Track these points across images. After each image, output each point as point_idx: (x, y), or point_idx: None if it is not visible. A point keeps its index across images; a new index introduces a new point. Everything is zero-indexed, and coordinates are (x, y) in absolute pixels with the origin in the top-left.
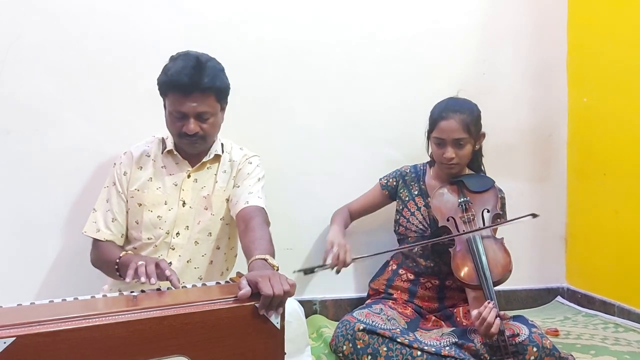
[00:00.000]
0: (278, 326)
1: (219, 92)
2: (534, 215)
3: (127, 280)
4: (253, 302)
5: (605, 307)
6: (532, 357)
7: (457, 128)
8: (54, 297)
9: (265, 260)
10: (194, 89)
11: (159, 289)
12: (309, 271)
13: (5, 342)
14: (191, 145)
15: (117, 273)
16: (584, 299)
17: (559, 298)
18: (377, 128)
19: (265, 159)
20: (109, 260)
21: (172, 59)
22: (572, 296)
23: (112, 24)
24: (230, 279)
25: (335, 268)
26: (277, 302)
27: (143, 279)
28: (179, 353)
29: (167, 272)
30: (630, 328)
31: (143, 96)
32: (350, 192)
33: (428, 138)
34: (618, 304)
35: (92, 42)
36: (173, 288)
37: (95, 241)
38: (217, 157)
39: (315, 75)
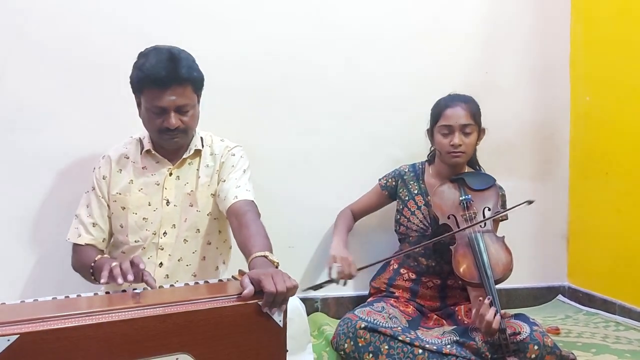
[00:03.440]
0: (281, 324)
1: (196, 82)
2: (529, 202)
3: (102, 281)
4: (256, 300)
5: (606, 306)
6: (533, 355)
7: (463, 114)
8: (56, 294)
9: (266, 257)
10: (171, 82)
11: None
12: (317, 287)
13: (9, 340)
14: (172, 140)
15: (92, 277)
16: (585, 297)
17: (560, 296)
18: (378, 126)
19: (267, 157)
20: (86, 264)
21: (142, 55)
22: (573, 295)
23: (114, 22)
24: (232, 276)
25: (341, 281)
26: (280, 300)
27: (120, 280)
28: (182, 350)
29: (144, 271)
30: (631, 326)
31: None
32: (351, 190)
33: (431, 132)
34: (619, 302)
35: (94, 41)
36: (165, 287)
37: (75, 245)
38: (198, 152)
39: (316, 74)
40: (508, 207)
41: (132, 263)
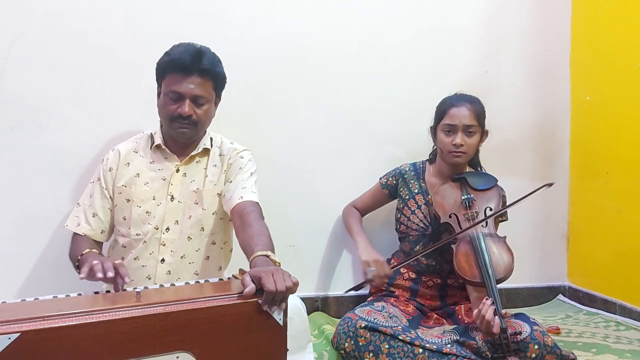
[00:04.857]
0: (281, 322)
1: (217, 79)
2: (549, 185)
3: (81, 276)
4: (256, 299)
5: (607, 306)
6: (534, 355)
7: (467, 114)
8: (57, 292)
9: (267, 256)
10: (194, 70)
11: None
12: (357, 288)
13: (9, 338)
14: (181, 129)
15: (77, 270)
16: (585, 297)
17: (560, 296)
18: (379, 125)
19: (268, 156)
20: (75, 255)
21: (174, 46)
22: (574, 294)
23: (115, 20)
24: (233, 275)
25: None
26: (280, 298)
27: (99, 275)
28: (183, 349)
29: (124, 275)
30: (631, 326)
31: (145, 92)
32: (352, 189)
33: (434, 131)
34: (619, 302)
35: (95, 39)
36: (165, 286)
37: (74, 235)
38: (206, 151)
39: (318, 72)
40: (526, 194)
41: (114, 265)
